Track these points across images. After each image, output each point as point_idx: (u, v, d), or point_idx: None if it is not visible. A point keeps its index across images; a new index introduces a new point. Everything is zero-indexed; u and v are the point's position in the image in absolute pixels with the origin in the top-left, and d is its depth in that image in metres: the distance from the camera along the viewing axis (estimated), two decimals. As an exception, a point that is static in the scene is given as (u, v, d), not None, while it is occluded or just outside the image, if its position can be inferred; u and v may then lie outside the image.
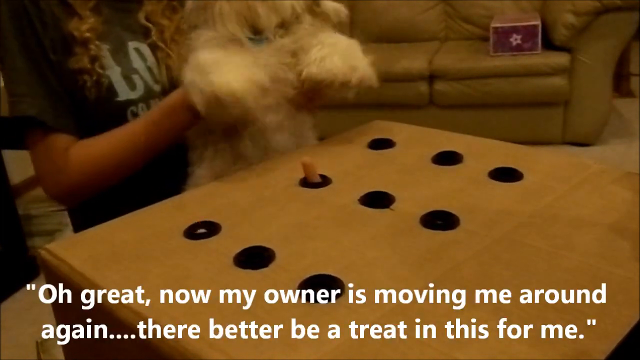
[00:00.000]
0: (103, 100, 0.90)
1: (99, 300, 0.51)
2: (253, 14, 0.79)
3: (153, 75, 0.94)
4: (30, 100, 0.88)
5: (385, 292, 0.47)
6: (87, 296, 0.53)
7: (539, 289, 0.46)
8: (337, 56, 0.76)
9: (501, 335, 0.41)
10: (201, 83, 0.72)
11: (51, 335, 1.06)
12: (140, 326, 0.46)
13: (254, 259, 0.53)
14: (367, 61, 0.79)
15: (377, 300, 0.46)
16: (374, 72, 0.78)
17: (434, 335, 0.41)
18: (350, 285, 0.48)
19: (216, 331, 0.44)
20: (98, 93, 0.90)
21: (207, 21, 0.81)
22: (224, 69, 0.72)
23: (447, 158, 0.72)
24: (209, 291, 0.49)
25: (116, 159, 0.89)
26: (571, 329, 0.41)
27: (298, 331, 0.43)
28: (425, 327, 0.42)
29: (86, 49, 0.89)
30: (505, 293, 0.46)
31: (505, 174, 0.66)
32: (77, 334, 0.59)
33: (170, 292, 0.49)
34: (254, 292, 0.48)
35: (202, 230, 0.59)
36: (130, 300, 0.49)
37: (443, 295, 0.46)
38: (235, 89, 0.70)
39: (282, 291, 0.48)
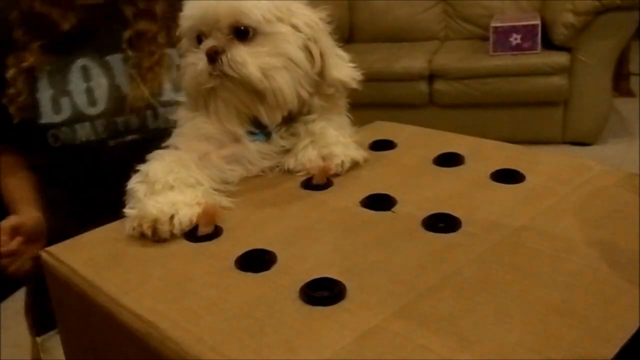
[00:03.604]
0: (25, 123, 0.92)
1: (100, 303, 0.51)
2: (254, 113, 0.72)
3: (91, 97, 0.94)
4: None
5: (386, 295, 0.47)
6: (88, 298, 0.52)
7: (542, 292, 0.46)
8: (312, 146, 0.72)
9: (503, 339, 0.41)
10: (143, 211, 0.62)
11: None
12: (141, 328, 0.46)
13: (256, 262, 0.53)
14: (351, 144, 0.74)
15: (378, 304, 0.46)
16: (360, 151, 0.74)
17: (435, 339, 0.41)
18: (352, 288, 0.48)
19: (217, 334, 0.44)
20: (22, 115, 0.92)
21: (202, 111, 0.74)
22: (149, 202, 0.63)
23: (449, 160, 0.72)
24: (210, 294, 0.49)
25: None
26: (574, 332, 0.41)
27: (299, 334, 0.43)
28: (427, 331, 0.42)
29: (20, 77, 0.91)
30: (507, 296, 0.45)
31: (507, 176, 0.66)
32: (78, 335, 0.59)
33: (171, 295, 0.49)
34: (255, 295, 0.48)
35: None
36: (131, 303, 0.49)
37: (445, 298, 0.46)
38: (183, 226, 0.62)
39: (283, 294, 0.48)
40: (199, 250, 0.56)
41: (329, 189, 0.67)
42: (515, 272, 0.49)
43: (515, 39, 3.03)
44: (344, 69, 0.76)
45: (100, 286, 0.52)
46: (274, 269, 0.52)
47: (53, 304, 0.61)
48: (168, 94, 0.97)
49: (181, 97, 0.79)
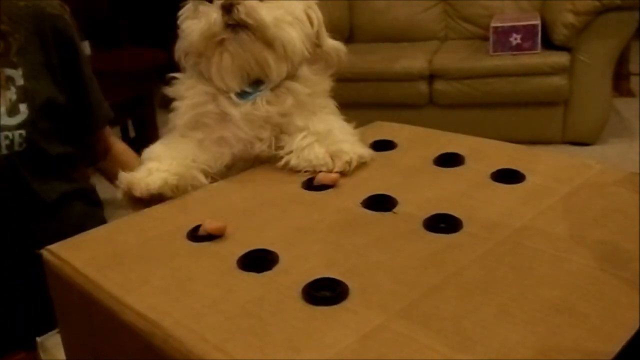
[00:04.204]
0: None
1: (102, 302, 0.51)
2: (262, 65, 0.75)
3: None
4: None
5: (389, 295, 0.47)
6: (90, 297, 0.53)
7: (543, 292, 0.46)
8: (319, 145, 0.74)
9: (505, 339, 0.41)
10: (122, 177, 0.71)
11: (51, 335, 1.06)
12: (145, 327, 0.46)
13: (258, 262, 0.53)
14: (357, 141, 0.76)
15: (380, 304, 0.46)
16: (366, 149, 0.75)
17: (438, 338, 0.42)
18: (354, 288, 0.48)
19: (221, 333, 0.44)
20: None
21: (198, 69, 0.78)
22: (152, 167, 0.72)
23: (449, 160, 0.72)
24: (213, 293, 0.49)
25: None
26: (575, 331, 0.41)
27: (302, 334, 0.43)
28: (430, 330, 0.42)
29: None
30: (509, 296, 0.46)
31: (507, 176, 0.66)
32: (79, 334, 0.59)
33: (173, 294, 0.49)
34: (258, 295, 0.48)
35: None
36: (134, 302, 0.49)
37: (447, 298, 0.46)
38: (150, 187, 0.70)
39: (286, 294, 0.48)
40: (201, 250, 0.56)
41: (330, 190, 0.67)
42: (517, 271, 0.49)
43: (515, 39, 3.04)
44: (333, 41, 0.82)
45: (102, 285, 0.52)
46: (276, 269, 0.52)
47: (54, 303, 0.62)
48: (2, 119, 0.95)
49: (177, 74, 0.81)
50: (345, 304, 0.46)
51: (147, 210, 0.68)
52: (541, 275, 0.48)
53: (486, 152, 0.74)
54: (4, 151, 0.96)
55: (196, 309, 0.47)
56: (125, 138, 2.92)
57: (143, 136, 2.83)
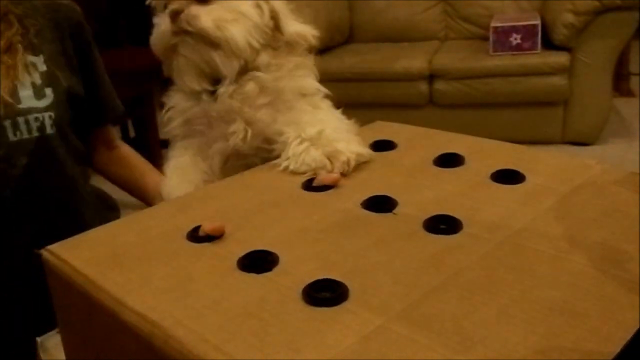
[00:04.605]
0: None
1: (102, 302, 0.51)
2: (211, 65, 0.79)
3: None
4: None
5: (389, 297, 0.47)
6: (90, 297, 0.53)
7: (543, 293, 0.46)
8: (314, 148, 0.74)
9: (506, 340, 0.41)
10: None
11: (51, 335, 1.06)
12: (144, 328, 0.46)
13: (258, 262, 0.53)
14: (353, 139, 0.76)
15: (381, 305, 0.46)
16: (364, 147, 0.76)
17: (439, 339, 0.42)
18: (354, 289, 0.48)
19: (221, 333, 0.44)
20: None
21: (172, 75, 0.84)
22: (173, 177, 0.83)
23: (449, 160, 0.72)
24: (213, 294, 0.49)
25: None
26: (575, 332, 0.41)
27: (303, 334, 0.43)
28: (430, 331, 0.42)
29: None
30: (509, 297, 0.46)
31: (508, 176, 0.66)
32: (79, 334, 0.59)
33: (174, 294, 0.49)
34: (258, 295, 0.48)
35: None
36: (134, 302, 0.49)
37: (447, 299, 0.46)
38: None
39: (286, 295, 0.48)
40: (201, 251, 0.56)
41: (330, 191, 0.67)
42: (517, 272, 0.49)
43: (515, 39, 3.04)
44: (299, 25, 0.84)
45: (103, 285, 0.52)
46: (276, 269, 0.52)
47: (54, 303, 0.62)
48: (27, 101, 0.96)
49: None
50: (345, 305, 0.46)
51: (147, 210, 0.68)
52: (541, 275, 0.48)
53: (486, 152, 0.74)
54: (35, 133, 0.96)
55: (196, 309, 0.47)
56: (125, 138, 2.92)
57: (143, 136, 2.83)
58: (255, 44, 0.79)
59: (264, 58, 0.81)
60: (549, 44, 3.03)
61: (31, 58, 0.98)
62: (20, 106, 0.95)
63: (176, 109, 0.84)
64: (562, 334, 0.41)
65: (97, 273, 0.54)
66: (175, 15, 0.77)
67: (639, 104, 3.40)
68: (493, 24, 3.09)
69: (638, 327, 0.42)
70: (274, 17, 0.81)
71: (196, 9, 0.77)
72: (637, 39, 3.23)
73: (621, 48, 2.99)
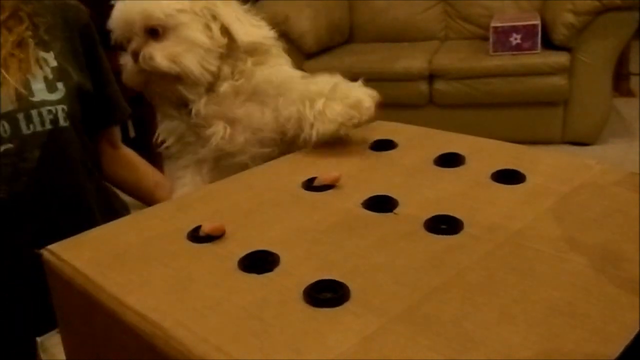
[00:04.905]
0: None
1: (102, 302, 0.51)
2: (179, 95, 0.84)
3: None
4: None
5: (390, 297, 0.47)
6: (91, 297, 0.53)
7: (544, 293, 0.46)
8: (335, 102, 0.75)
9: (507, 340, 0.41)
10: None
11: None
12: (146, 328, 0.46)
13: (259, 263, 0.53)
14: (356, 85, 0.78)
15: (382, 305, 0.46)
16: (367, 89, 0.78)
17: (440, 340, 0.41)
18: (356, 290, 0.48)
19: (222, 334, 0.44)
20: None
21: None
22: None
23: (450, 160, 0.72)
24: (214, 294, 0.49)
25: None
26: (577, 332, 0.41)
27: (304, 335, 0.43)
28: (432, 332, 0.42)
29: None
30: (511, 297, 0.46)
31: (508, 176, 0.66)
32: (79, 334, 0.59)
33: (174, 294, 0.49)
34: (259, 296, 0.48)
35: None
36: (134, 303, 0.49)
37: (449, 300, 0.46)
38: None
39: (287, 295, 0.48)
40: (202, 251, 0.56)
41: (331, 190, 0.67)
42: (518, 273, 0.49)
43: (515, 39, 3.04)
44: (254, 31, 0.86)
45: (103, 285, 0.52)
46: (276, 270, 0.52)
47: (54, 303, 0.61)
48: (40, 94, 0.96)
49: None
50: (346, 305, 0.46)
51: (147, 210, 0.68)
52: (542, 276, 0.48)
53: (487, 152, 0.74)
54: (49, 126, 0.96)
55: (197, 310, 0.47)
56: (125, 138, 2.91)
57: (143, 136, 2.83)
58: (212, 68, 0.83)
59: (225, 71, 0.84)
60: (549, 44, 3.03)
61: (42, 54, 0.99)
62: (34, 99, 0.95)
63: (165, 130, 0.88)
64: (563, 335, 0.41)
65: (97, 273, 0.54)
66: (135, 56, 0.82)
67: (639, 104, 3.40)
68: (493, 24, 3.09)
69: (639, 328, 0.42)
70: (226, 31, 0.84)
71: (152, 48, 0.81)
72: (637, 39, 3.23)
73: (621, 48, 2.99)
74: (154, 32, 0.82)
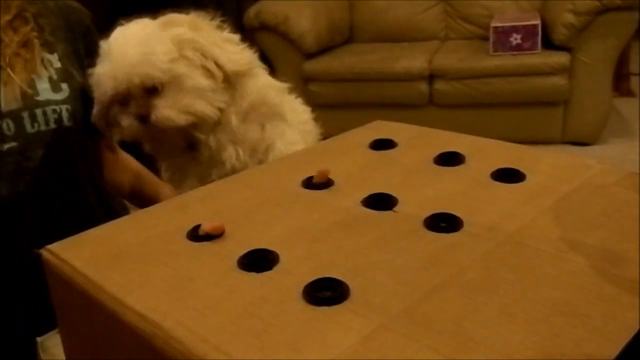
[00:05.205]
0: None
1: (102, 302, 0.51)
2: (189, 138, 0.85)
3: None
4: None
5: (390, 296, 0.47)
6: (90, 297, 0.52)
7: (544, 292, 0.46)
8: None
9: (507, 339, 0.41)
10: None
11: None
12: (146, 328, 0.46)
13: (258, 262, 0.53)
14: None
15: (382, 304, 0.46)
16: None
17: (440, 339, 0.41)
18: (355, 288, 0.48)
19: (222, 334, 0.44)
20: None
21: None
22: None
23: (449, 159, 0.72)
24: (213, 294, 0.49)
25: None
26: (577, 332, 0.41)
27: (304, 334, 0.43)
28: (432, 331, 0.42)
29: None
30: (510, 296, 0.46)
31: (508, 175, 0.66)
32: (79, 334, 0.59)
33: (174, 294, 0.49)
34: (258, 295, 0.48)
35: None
36: (134, 302, 0.49)
37: (449, 298, 0.46)
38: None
39: (287, 294, 0.48)
40: (201, 250, 0.56)
41: (330, 188, 0.67)
42: (518, 272, 0.49)
43: (516, 39, 3.04)
44: (236, 58, 0.87)
45: (103, 285, 0.52)
46: (276, 269, 0.52)
47: (54, 303, 0.61)
48: (45, 94, 0.97)
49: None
50: (346, 304, 0.46)
51: (147, 209, 0.68)
52: (542, 275, 0.48)
53: (487, 151, 0.74)
54: (53, 125, 0.97)
55: (197, 309, 0.47)
56: (123, 143, 2.91)
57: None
58: (221, 104, 0.84)
59: (228, 100, 0.86)
60: (549, 44, 3.03)
61: (47, 55, 0.99)
62: (38, 98, 0.96)
63: (168, 164, 0.90)
64: (564, 335, 0.41)
65: (97, 273, 0.54)
66: (143, 119, 0.82)
67: (639, 104, 3.40)
68: (493, 24, 3.09)
69: (639, 328, 0.42)
70: (220, 67, 0.84)
71: (161, 108, 0.81)
72: (637, 39, 3.23)
73: (621, 48, 2.99)
74: (154, 90, 0.82)
